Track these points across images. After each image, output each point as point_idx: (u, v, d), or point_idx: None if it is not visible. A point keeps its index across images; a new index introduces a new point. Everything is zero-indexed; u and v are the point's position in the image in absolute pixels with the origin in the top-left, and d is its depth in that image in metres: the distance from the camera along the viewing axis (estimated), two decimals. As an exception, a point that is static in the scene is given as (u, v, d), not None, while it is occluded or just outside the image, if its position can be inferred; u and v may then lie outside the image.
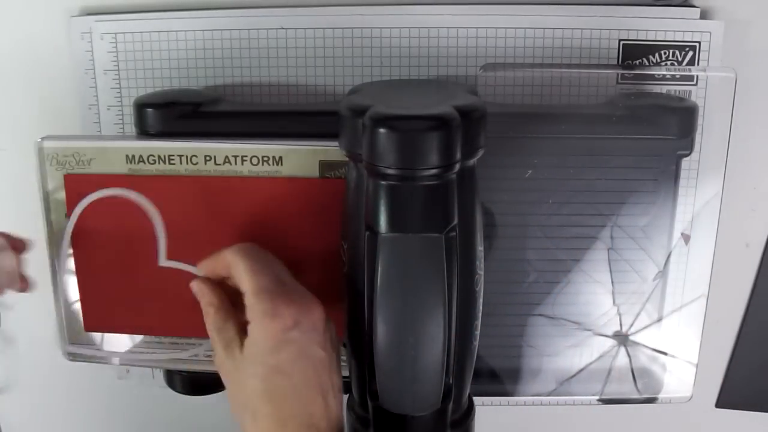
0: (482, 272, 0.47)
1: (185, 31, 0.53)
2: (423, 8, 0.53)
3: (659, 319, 0.56)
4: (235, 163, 0.48)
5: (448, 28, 0.53)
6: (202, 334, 0.46)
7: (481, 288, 0.47)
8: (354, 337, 0.47)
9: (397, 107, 0.42)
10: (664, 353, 0.56)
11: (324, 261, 0.49)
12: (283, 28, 0.53)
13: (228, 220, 0.48)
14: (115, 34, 0.54)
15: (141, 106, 0.50)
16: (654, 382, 0.57)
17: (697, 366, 0.56)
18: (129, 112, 0.54)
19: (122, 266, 0.50)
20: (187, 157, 0.48)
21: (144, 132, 0.51)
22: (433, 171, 0.40)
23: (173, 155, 0.48)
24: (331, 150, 0.47)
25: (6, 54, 0.55)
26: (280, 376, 0.42)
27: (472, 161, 0.44)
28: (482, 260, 0.47)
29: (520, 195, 0.53)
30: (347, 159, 0.45)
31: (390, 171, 0.40)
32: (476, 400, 0.51)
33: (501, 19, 0.53)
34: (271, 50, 0.54)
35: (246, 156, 0.48)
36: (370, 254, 0.42)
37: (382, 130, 0.40)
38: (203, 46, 0.54)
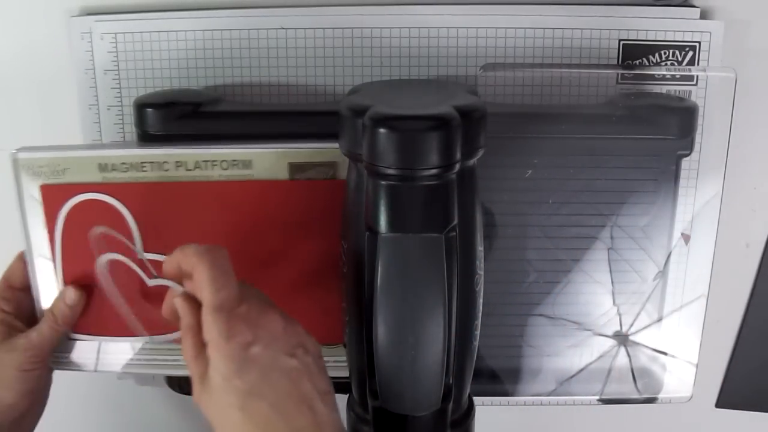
0: (482, 272, 0.47)
1: (185, 31, 0.53)
2: (423, 8, 0.53)
3: (659, 319, 0.56)
4: (206, 168, 0.48)
5: (448, 28, 0.53)
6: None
7: (481, 288, 0.47)
8: (354, 337, 0.47)
9: (397, 107, 0.42)
10: (664, 353, 0.56)
11: (298, 261, 0.49)
12: (283, 28, 0.53)
13: (202, 224, 0.49)
14: (115, 34, 0.54)
15: (141, 106, 0.50)
16: (654, 382, 0.57)
17: (697, 366, 0.56)
18: (129, 112, 0.54)
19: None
20: (158, 163, 0.48)
21: (144, 132, 0.51)
22: (433, 171, 0.40)
23: (145, 162, 0.48)
24: (300, 152, 0.47)
25: (6, 54, 0.55)
26: (255, 398, 0.39)
27: (472, 161, 0.44)
28: (482, 260, 0.47)
29: (520, 195, 0.53)
30: (317, 161, 0.46)
31: (390, 171, 0.40)
32: (476, 400, 0.51)
33: (501, 19, 0.53)
34: (271, 50, 0.54)
35: (216, 161, 0.48)
36: (370, 254, 0.42)
37: (382, 130, 0.40)
38: (203, 46, 0.54)
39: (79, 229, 0.49)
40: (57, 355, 0.52)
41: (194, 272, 0.41)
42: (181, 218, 0.49)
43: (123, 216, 0.49)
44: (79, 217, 0.49)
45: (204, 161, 0.48)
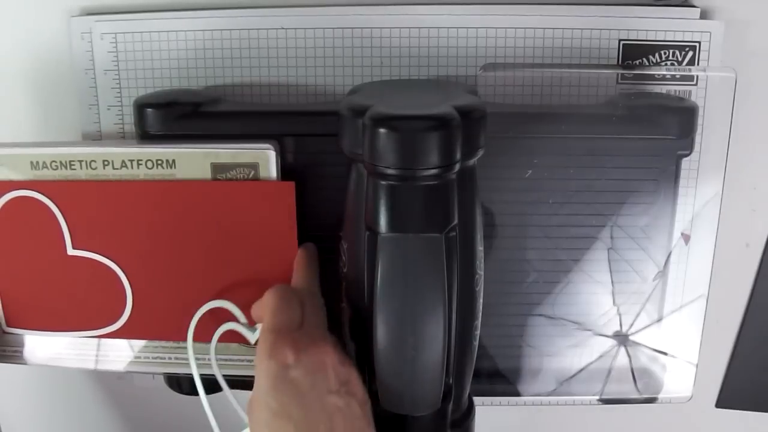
0: (482, 272, 0.47)
1: (185, 31, 0.53)
2: (423, 8, 0.53)
3: (659, 319, 0.56)
4: (132, 167, 0.49)
5: (448, 28, 0.53)
6: (111, 319, 0.50)
7: (481, 288, 0.47)
8: (354, 337, 0.47)
9: (397, 107, 0.42)
10: (664, 353, 0.56)
11: (218, 262, 0.50)
12: (283, 28, 0.53)
13: (130, 222, 0.50)
14: (115, 34, 0.54)
15: (141, 106, 0.50)
16: (654, 382, 0.57)
17: (697, 366, 0.56)
18: (129, 112, 0.54)
19: (34, 262, 0.51)
20: (86, 162, 0.49)
21: (144, 132, 0.51)
22: (433, 171, 0.40)
23: (74, 161, 0.49)
24: (222, 152, 0.48)
25: (6, 54, 0.55)
26: (283, 419, 0.39)
27: (472, 161, 0.44)
28: (482, 260, 0.47)
29: (520, 195, 0.53)
30: (238, 161, 0.47)
31: (390, 171, 0.40)
32: (476, 400, 0.51)
33: (501, 19, 0.53)
34: (271, 50, 0.54)
35: (141, 160, 0.49)
36: (370, 254, 0.42)
37: (382, 130, 0.40)
38: (203, 46, 0.54)
39: (10, 226, 0.50)
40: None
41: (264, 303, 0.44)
42: (110, 216, 0.50)
43: (53, 213, 0.50)
44: (9, 214, 0.50)
45: (129, 160, 0.49)
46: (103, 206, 0.50)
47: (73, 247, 0.50)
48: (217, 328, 0.49)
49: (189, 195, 0.49)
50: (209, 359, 0.50)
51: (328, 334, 0.44)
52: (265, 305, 0.44)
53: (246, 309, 0.48)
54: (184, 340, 0.51)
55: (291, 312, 0.43)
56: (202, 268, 0.50)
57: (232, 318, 0.49)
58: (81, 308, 0.52)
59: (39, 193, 0.50)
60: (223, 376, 0.50)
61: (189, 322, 0.50)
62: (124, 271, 0.51)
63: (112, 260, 0.50)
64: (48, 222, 0.50)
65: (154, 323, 0.52)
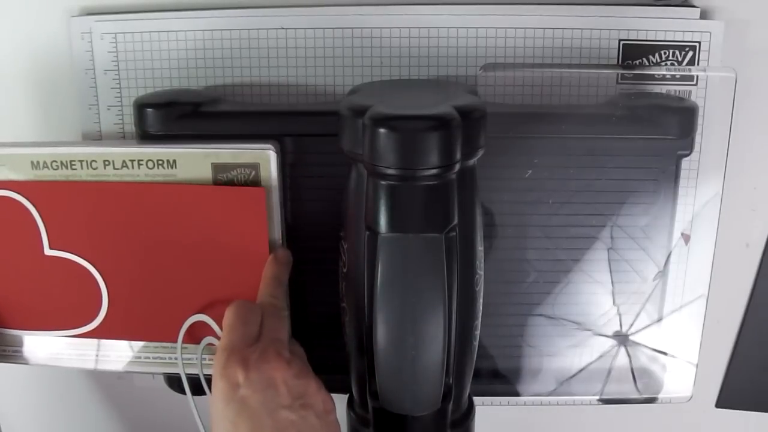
0: (482, 272, 0.47)
1: (185, 31, 0.53)
2: (423, 8, 0.53)
3: (659, 319, 0.56)
4: (132, 167, 0.49)
5: (448, 28, 0.53)
6: (87, 319, 0.50)
7: (481, 288, 0.47)
8: (354, 337, 0.47)
9: (397, 107, 0.42)
10: (664, 353, 0.56)
11: (192, 266, 0.50)
12: (283, 28, 0.53)
13: (105, 224, 0.50)
14: (115, 34, 0.54)
15: (141, 106, 0.50)
16: (654, 382, 0.57)
17: (697, 366, 0.56)
18: (129, 112, 0.54)
19: (11, 261, 0.51)
20: (87, 162, 0.49)
21: (144, 132, 0.51)
22: (433, 171, 0.40)
23: (74, 161, 0.49)
24: (223, 152, 0.48)
25: (6, 54, 0.55)
26: None
27: (472, 161, 0.44)
28: (482, 260, 0.47)
29: (520, 195, 0.53)
30: (239, 161, 0.47)
31: (390, 171, 0.40)
32: (476, 400, 0.51)
33: (501, 19, 0.53)
34: (271, 50, 0.54)
35: (142, 160, 0.48)
36: (370, 254, 0.42)
37: (382, 130, 0.40)
38: (203, 46, 0.54)
39: None
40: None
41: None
42: (86, 217, 0.50)
43: (31, 214, 0.50)
44: None
45: (130, 160, 0.49)
46: (79, 207, 0.49)
47: (50, 248, 0.50)
48: (199, 329, 0.49)
49: (162, 198, 0.49)
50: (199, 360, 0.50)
51: (285, 348, 0.44)
52: (223, 322, 0.44)
53: (220, 318, 0.48)
54: (160, 340, 0.51)
55: (245, 329, 0.43)
56: (175, 271, 0.50)
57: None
58: (57, 308, 0.52)
59: (16, 193, 0.49)
60: None
61: (164, 323, 0.50)
62: (99, 272, 0.50)
63: (88, 261, 0.50)
64: (25, 222, 0.50)
65: (130, 324, 0.52)
